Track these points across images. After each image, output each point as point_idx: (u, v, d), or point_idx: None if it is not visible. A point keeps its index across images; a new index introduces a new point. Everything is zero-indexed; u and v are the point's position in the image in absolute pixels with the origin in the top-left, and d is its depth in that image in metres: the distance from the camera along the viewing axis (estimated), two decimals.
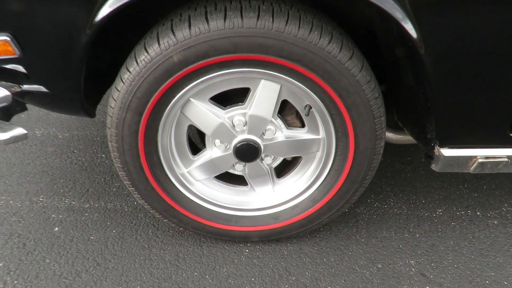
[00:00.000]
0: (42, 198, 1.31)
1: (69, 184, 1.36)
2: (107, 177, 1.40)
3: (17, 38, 0.78)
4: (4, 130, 0.90)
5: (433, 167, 0.96)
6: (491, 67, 0.78)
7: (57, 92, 0.89)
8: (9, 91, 0.85)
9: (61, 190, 1.33)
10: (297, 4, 0.79)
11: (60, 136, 1.64)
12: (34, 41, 0.79)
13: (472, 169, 0.94)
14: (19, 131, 0.90)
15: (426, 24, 0.72)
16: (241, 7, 0.76)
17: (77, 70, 0.83)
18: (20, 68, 0.84)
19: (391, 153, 1.48)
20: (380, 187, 1.33)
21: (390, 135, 1.15)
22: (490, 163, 0.93)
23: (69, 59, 0.81)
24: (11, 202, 1.29)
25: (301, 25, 0.75)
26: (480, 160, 0.92)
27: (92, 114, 1.00)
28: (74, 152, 1.54)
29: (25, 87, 0.89)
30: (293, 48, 0.76)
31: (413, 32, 0.73)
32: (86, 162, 1.48)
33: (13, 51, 0.79)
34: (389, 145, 1.24)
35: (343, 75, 0.79)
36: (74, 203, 1.28)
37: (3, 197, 1.31)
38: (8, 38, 0.77)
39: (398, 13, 0.71)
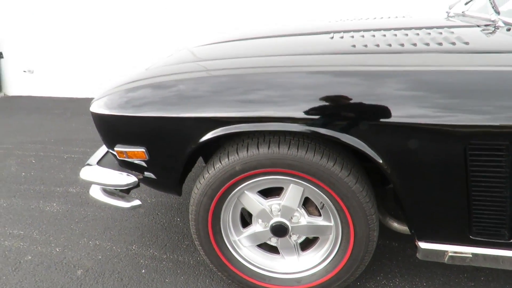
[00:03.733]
0: (135, 247, 1.82)
1: (153, 239, 1.87)
2: (180, 236, 1.89)
3: (148, 149, 1.33)
4: (128, 201, 1.44)
5: (417, 255, 1.29)
6: (441, 181, 1.14)
7: (163, 179, 1.42)
8: (137, 177, 1.40)
9: (148, 242, 1.84)
10: (314, 140, 1.25)
11: (149, 201, 2.20)
12: (158, 151, 1.34)
13: (445, 260, 1.26)
14: (137, 202, 1.44)
15: (386, 154, 1.13)
16: (279, 140, 1.24)
17: (179, 167, 1.35)
18: (145, 165, 1.39)
19: (404, 240, 1.79)
20: (389, 268, 1.64)
21: (395, 224, 1.50)
22: (459, 257, 1.24)
23: (177, 161, 1.34)
24: (114, 247, 1.81)
25: (315, 154, 1.21)
26: (450, 254, 1.24)
27: (180, 193, 1.51)
28: (158, 214, 2.07)
29: (145, 174, 1.43)
30: (309, 168, 1.21)
31: (378, 159, 1.14)
32: (166, 223, 1.99)
33: (145, 157, 1.34)
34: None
35: (343, 186, 1.21)
36: (156, 253, 1.76)
37: (109, 243, 1.84)
38: (144, 149, 1.33)
39: (369, 151, 1.13)
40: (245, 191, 1.35)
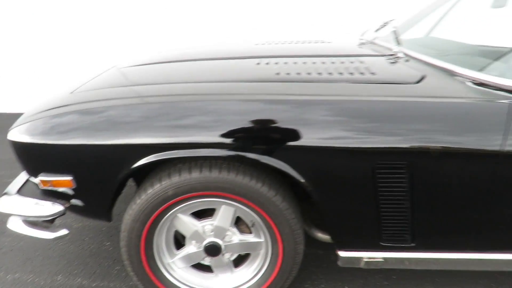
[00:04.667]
0: (60, 277, 1.72)
1: (81, 266, 1.79)
2: (110, 261, 1.83)
3: (76, 177, 1.30)
4: (53, 231, 1.38)
5: (338, 263, 1.43)
6: (355, 196, 1.29)
7: (93, 206, 1.39)
8: (63, 206, 1.35)
9: (75, 271, 1.75)
10: (245, 165, 1.33)
11: (75, 226, 2.09)
12: (87, 178, 1.31)
13: (362, 266, 1.41)
14: (63, 232, 1.38)
15: (307, 174, 1.25)
16: (210, 164, 1.29)
17: (110, 193, 1.34)
18: (72, 193, 1.34)
19: (328, 248, 1.94)
20: (316, 275, 1.77)
21: (319, 234, 1.63)
22: (373, 262, 1.40)
23: (107, 187, 1.32)
24: (36, 279, 1.70)
25: (245, 176, 1.29)
26: (365, 260, 1.40)
27: (110, 219, 1.48)
28: (85, 240, 1.98)
29: (72, 202, 1.38)
30: (240, 190, 1.28)
31: (301, 179, 1.25)
32: (95, 248, 1.92)
33: (72, 185, 1.30)
34: None
35: (271, 205, 1.31)
36: (85, 282, 1.69)
37: (31, 276, 1.72)
38: (71, 178, 1.29)
39: (292, 172, 1.25)
40: (178, 214, 1.38)
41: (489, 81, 1.32)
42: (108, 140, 1.26)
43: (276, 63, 1.62)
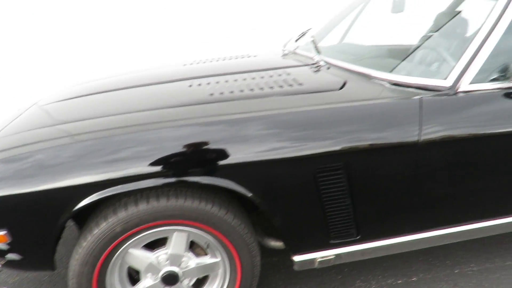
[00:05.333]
0: None
1: None
2: None
3: (10, 231, 1.20)
4: None
5: (294, 267, 1.49)
6: (301, 201, 1.36)
7: (33, 258, 1.29)
8: None
9: None
10: (193, 189, 1.33)
11: (11, 281, 1.90)
12: (24, 230, 1.21)
13: (316, 266, 1.49)
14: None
15: (254, 187, 1.30)
16: (157, 193, 1.28)
17: (51, 241, 1.25)
18: (7, 247, 1.24)
19: (282, 254, 2.01)
20: (275, 282, 1.82)
21: (272, 243, 1.67)
22: (325, 260, 1.49)
23: (48, 235, 1.24)
24: None
25: (194, 200, 1.29)
26: (319, 260, 1.48)
27: (54, 267, 1.39)
28: None
29: (8, 257, 1.27)
30: (190, 214, 1.28)
31: (248, 193, 1.30)
32: None
33: (7, 239, 1.20)
34: None
35: (223, 224, 1.33)
36: None
37: None
38: (5, 232, 1.19)
39: (238, 188, 1.28)
40: (129, 250, 1.33)
41: (400, 81, 1.49)
42: (41, 185, 1.19)
43: (208, 83, 1.65)
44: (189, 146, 1.25)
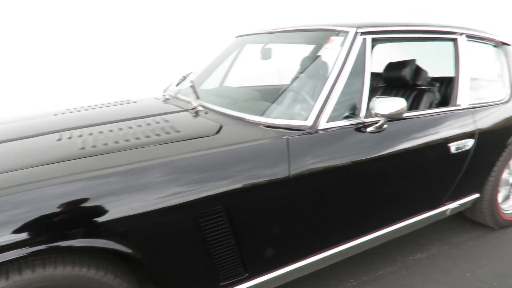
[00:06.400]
0: None
1: None
2: None
3: None
4: None
5: None
6: (187, 248, 1.35)
7: None
8: None
9: None
10: (63, 253, 1.21)
11: None
12: None
13: None
14: None
15: (133, 244, 1.25)
16: (19, 265, 1.13)
17: None
18: None
19: None
20: None
21: None
22: None
23: None
24: None
25: (66, 266, 1.18)
26: None
27: None
28: None
29: None
30: (62, 282, 1.17)
31: (128, 250, 1.24)
32: None
33: None
34: None
35: (103, 286, 1.24)
36: None
37: None
38: None
39: (115, 246, 1.22)
40: None
41: (270, 123, 1.63)
42: None
43: (80, 136, 1.56)
44: (56, 207, 1.15)
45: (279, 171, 1.48)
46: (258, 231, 1.50)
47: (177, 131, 1.57)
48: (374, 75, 2.85)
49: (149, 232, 1.28)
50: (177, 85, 2.56)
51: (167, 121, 1.73)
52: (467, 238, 2.49)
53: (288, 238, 1.61)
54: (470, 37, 2.25)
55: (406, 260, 2.25)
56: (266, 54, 2.39)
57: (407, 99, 2.36)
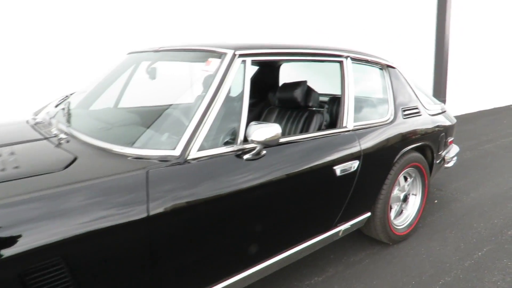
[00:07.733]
0: None
1: None
2: None
3: None
4: None
5: None
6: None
7: None
8: None
9: None
10: None
11: None
12: None
13: None
14: None
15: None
16: None
17: None
18: None
19: None
20: None
21: None
22: None
23: None
24: None
25: None
26: None
27: None
28: None
29: None
30: None
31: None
32: None
33: None
34: None
35: None
36: None
37: None
38: None
39: None
40: None
41: (135, 154, 1.46)
42: None
43: None
44: None
45: (135, 211, 1.31)
46: (111, 280, 1.30)
47: (16, 168, 1.33)
48: (272, 95, 2.84)
49: None
50: (56, 106, 2.29)
51: (12, 153, 1.48)
52: (363, 255, 2.52)
53: (150, 285, 1.43)
54: (355, 60, 2.30)
55: (302, 285, 2.19)
56: (151, 74, 2.23)
57: (299, 120, 2.35)
